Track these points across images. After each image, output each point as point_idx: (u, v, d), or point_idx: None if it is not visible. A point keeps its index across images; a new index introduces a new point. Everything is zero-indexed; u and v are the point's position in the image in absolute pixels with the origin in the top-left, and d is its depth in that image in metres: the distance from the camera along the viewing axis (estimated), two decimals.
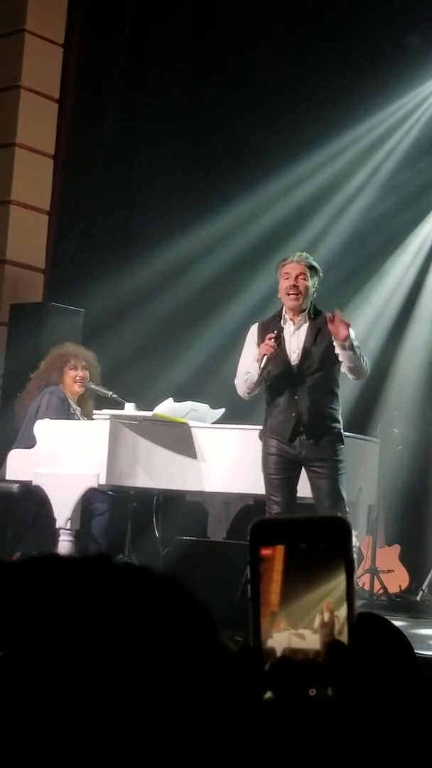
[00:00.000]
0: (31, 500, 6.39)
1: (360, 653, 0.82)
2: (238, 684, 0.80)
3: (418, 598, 7.17)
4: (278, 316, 5.54)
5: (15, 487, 6.44)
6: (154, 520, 6.89)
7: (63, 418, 6.53)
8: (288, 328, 5.47)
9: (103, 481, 6.06)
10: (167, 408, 6.24)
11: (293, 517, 0.85)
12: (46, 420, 6.39)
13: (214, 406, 6.50)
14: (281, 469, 5.41)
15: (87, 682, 0.74)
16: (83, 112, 9.04)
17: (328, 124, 8.47)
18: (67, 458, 6.15)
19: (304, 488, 5.47)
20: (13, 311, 8.17)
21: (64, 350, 6.86)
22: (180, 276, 8.74)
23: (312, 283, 5.44)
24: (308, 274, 5.42)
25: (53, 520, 6.10)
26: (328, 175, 8.84)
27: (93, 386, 6.84)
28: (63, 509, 6.07)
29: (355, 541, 6.39)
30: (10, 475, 6.40)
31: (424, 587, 7.16)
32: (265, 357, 5.28)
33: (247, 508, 6.92)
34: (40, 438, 6.28)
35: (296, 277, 5.40)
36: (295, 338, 5.45)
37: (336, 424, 5.44)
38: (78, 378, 6.76)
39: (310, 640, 0.81)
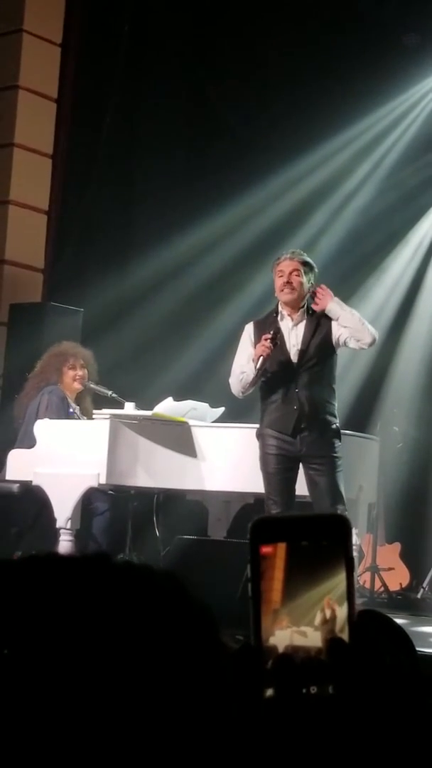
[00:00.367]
0: (32, 500, 6.39)
1: (361, 651, 0.82)
2: (240, 682, 0.80)
3: (419, 595, 7.17)
4: (274, 313, 5.56)
5: (15, 487, 6.44)
6: (155, 519, 6.89)
7: (63, 418, 6.53)
8: (286, 323, 5.50)
9: (103, 480, 6.05)
10: (167, 407, 6.24)
11: (293, 514, 0.85)
12: (46, 420, 6.39)
13: (213, 405, 6.50)
14: (281, 469, 5.41)
15: (88, 681, 0.74)
16: (82, 112, 9.04)
17: (327, 122, 8.47)
18: (67, 458, 6.14)
19: (301, 487, 5.48)
20: (13, 311, 8.17)
21: (61, 349, 6.85)
22: (179, 275, 8.74)
23: (306, 279, 5.47)
24: (302, 270, 5.46)
25: (53, 520, 6.09)
26: (327, 173, 8.84)
27: (93, 386, 6.84)
28: (63, 509, 6.07)
29: (355, 539, 6.40)
30: (10, 475, 6.40)
31: (424, 585, 7.16)
32: (261, 358, 5.30)
33: (248, 506, 6.92)
34: (40, 438, 6.28)
35: (290, 274, 5.44)
36: (294, 334, 5.48)
37: (334, 419, 5.47)
38: (77, 377, 6.76)
39: (312, 638, 0.81)
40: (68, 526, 6.07)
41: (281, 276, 5.47)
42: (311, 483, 5.41)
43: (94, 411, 6.62)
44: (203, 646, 0.79)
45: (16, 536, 6.61)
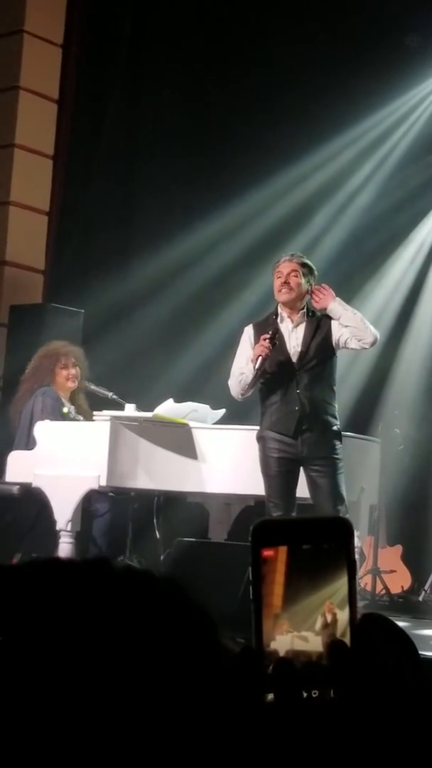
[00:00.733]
0: (32, 502, 6.39)
1: (362, 655, 0.81)
2: (240, 686, 0.79)
3: (421, 598, 7.16)
4: (273, 315, 5.57)
5: (15, 488, 6.44)
6: (155, 521, 6.89)
7: (58, 418, 6.53)
8: (286, 325, 5.51)
9: (103, 482, 6.05)
10: (168, 409, 6.24)
11: (295, 517, 0.84)
12: (46, 421, 6.39)
13: (214, 407, 6.50)
14: (282, 471, 5.41)
15: (87, 687, 0.74)
16: (82, 113, 9.05)
17: (328, 122, 8.48)
18: (68, 460, 6.14)
19: (302, 489, 5.47)
20: (13, 312, 8.18)
21: (52, 349, 6.84)
22: (180, 276, 8.74)
23: (305, 280, 5.48)
24: (300, 272, 5.47)
25: (53, 522, 6.09)
26: (328, 174, 8.85)
27: (93, 387, 6.84)
28: (63, 511, 6.07)
29: (357, 541, 6.40)
30: (10, 477, 6.40)
31: (426, 587, 7.15)
32: (260, 358, 5.31)
33: (248, 509, 6.92)
34: (40, 439, 6.28)
35: (288, 275, 5.46)
36: (294, 335, 5.49)
37: (334, 421, 5.48)
38: (70, 376, 6.76)
39: (313, 642, 0.80)
40: (68, 528, 6.07)
41: (280, 277, 5.49)
42: (312, 485, 5.41)
43: (95, 413, 6.62)
44: (202, 651, 0.78)
45: (16, 538, 6.60)
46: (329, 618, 0.81)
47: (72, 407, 6.78)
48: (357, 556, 6.71)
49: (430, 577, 7.16)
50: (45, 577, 0.79)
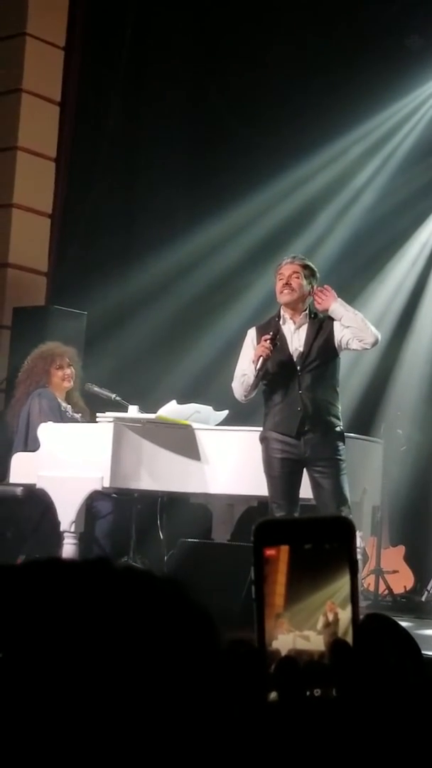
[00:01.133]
0: (35, 503, 6.39)
1: (364, 654, 0.81)
2: (243, 685, 0.80)
3: (423, 598, 7.15)
4: (276, 318, 5.58)
5: (19, 490, 6.44)
6: (159, 522, 6.89)
7: (57, 419, 6.54)
8: (288, 327, 5.52)
9: (107, 483, 6.05)
10: (171, 410, 6.24)
11: (296, 517, 0.85)
12: (50, 423, 6.39)
13: (217, 408, 6.50)
14: (285, 472, 5.41)
15: (87, 686, 0.74)
16: (85, 115, 9.05)
17: (330, 124, 8.47)
18: (71, 461, 6.14)
19: (306, 490, 5.47)
20: (16, 314, 8.17)
21: (46, 351, 6.85)
22: (183, 278, 8.74)
23: (306, 282, 5.49)
24: (302, 273, 5.49)
25: (57, 524, 6.09)
26: (330, 176, 8.84)
27: (97, 389, 6.84)
28: (67, 512, 6.07)
29: (359, 541, 6.40)
30: (14, 479, 6.40)
31: (429, 588, 7.14)
32: (261, 359, 5.32)
33: (252, 509, 6.92)
34: (43, 441, 6.28)
35: (289, 276, 5.47)
36: (296, 336, 5.50)
37: (337, 421, 5.48)
38: (66, 376, 6.78)
39: (315, 642, 0.81)
40: (72, 529, 6.07)
41: (281, 279, 5.50)
42: (315, 486, 5.41)
43: (98, 414, 6.62)
44: (203, 651, 0.78)
45: (19, 540, 6.60)
46: (331, 617, 0.81)
47: (68, 406, 6.79)
48: (360, 557, 6.71)
49: None
50: (45, 577, 0.79)
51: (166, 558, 6.64)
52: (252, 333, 5.64)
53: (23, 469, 6.32)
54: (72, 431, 6.41)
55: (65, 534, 6.08)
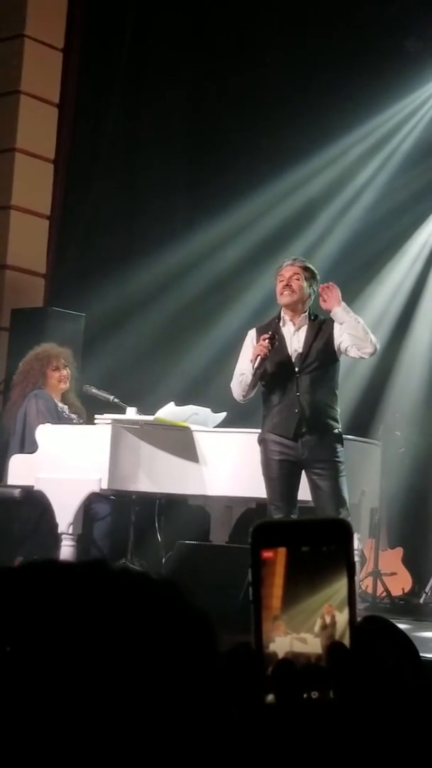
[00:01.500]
0: (33, 505, 6.39)
1: (361, 656, 0.81)
2: (240, 688, 0.79)
3: (421, 600, 7.15)
4: (276, 319, 5.59)
5: (17, 492, 6.44)
6: (156, 524, 6.89)
7: (54, 420, 6.54)
8: (288, 328, 5.52)
9: (105, 485, 6.05)
10: (169, 412, 6.24)
11: (294, 519, 0.85)
12: (48, 425, 6.39)
13: (215, 410, 6.50)
14: (284, 474, 5.41)
15: (83, 688, 0.74)
16: (83, 117, 9.05)
17: (328, 127, 8.48)
18: (69, 463, 6.14)
19: (304, 492, 5.47)
20: (14, 316, 8.17)
21: (42, 352, 6.86)
22: (181, 280, 8.74)
23: (307, 284, 5.49)
24: (302, 275, 5.49)
25: (55, 525, 6.09)
26: (329, 178, 8.85)
27: (95, 391, 6.85)
28: (65, 514, 6.07)
29: (357, 543, 6.40)
30: (12, 481, 6.40)
31: (427, 590, 7.14)
32: (259, 357, 5.32)
33: (250, 511, 6.92)
34: (41, 443, 6.28)
35: (289, 278, 5.48)
36: (296, 338, 5.50)
37: (336, 424, 5.47)
38: (62, 377, 6.78)
39: (312, 644, 0.80)
40: (70, 531, 6.07)
41: (282, 280, 5.50)
42: (314, 488, 5.41)
43: (96, 416, 6.62)
44: (200, 653, 0.78)
45: (17, 542, 6.60)
46: (328, 620, 0.81)
47: (65, 407, 6.79)
48: (358, 559, 6.71)
49: (430, 580, 7.15)
50: (42, 578, 0.79)
51: (164, 560, 6.64)
52: (252, 334, 5.65)
53: (21, 471, 6.32)
54: (70, 433, 6.41)
55: (63, 536, 6.08)
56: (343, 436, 5.56)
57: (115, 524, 6.77)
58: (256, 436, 5.57)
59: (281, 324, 5.54)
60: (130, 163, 9.29)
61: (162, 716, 0.74)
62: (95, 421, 6.40)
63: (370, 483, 6.85)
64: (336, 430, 5.46)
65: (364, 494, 6.60)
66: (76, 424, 6.73)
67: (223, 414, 6.49)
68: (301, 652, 0.80)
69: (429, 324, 8.57)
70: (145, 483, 6.21)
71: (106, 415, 6.39)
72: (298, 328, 5.52)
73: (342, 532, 0.82)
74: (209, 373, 7.86)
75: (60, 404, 6.78)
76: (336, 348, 5.47)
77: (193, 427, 6.27)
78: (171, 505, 7.06)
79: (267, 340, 5.36)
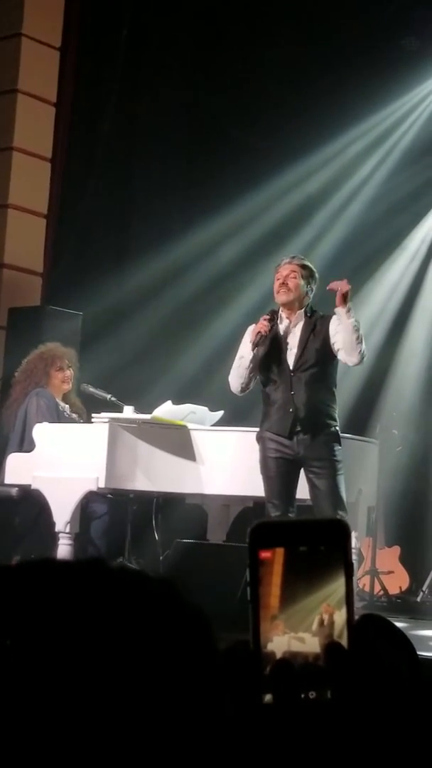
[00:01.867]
0: (30, 504, 6.38)
1: (359, 655, 0.81)
2: (238, 687, 0.79)
3: (419, 599, 7.17)
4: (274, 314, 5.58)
5: (14, 491, 6.43)
6: (154, 523, 6.89)
7: (55, 419, 6.53)
8: (284, 326, 5.51)
9: (102, 484, 6.05)
10: (166, 411, 6.24)
11: (292, 519, 0.85)
12: (45, 424, 6.38)
13: (212, 409, 6.50)
14: (281, 472, 5.40)
15: (81, 687, 0.74)
16: (80, 116, 9.04)
17: (326, 125, 8.48)
18: (66, 462, 6.14)
19: (302, 490, 5.47)
20: (12, 315, 8.17)
21: (47, 352, 6.84)
22: (178, 279, 8.74)
23: (304, 282, 5.47)
24: (300, 273, 5.47)
25: (52, 524, 6.09)
26: (326, 176, 8.86)
27: (92, 389, 6.84)
28: (62, 513, 6.06)
29: (354, 542, 6.39)
30: (9, 479, 6.39)
31: (424, 588, 7.16)
32: (259, 334, 5.32)
33: (247, 510, 6.92)
34: (38, 442, 6.28)
35: (287, 276, 5.47)
36: (292, 336, 5.48)
37: (333, 422, 5.45)
38: (66, 378, 6.77)
39: (310, 644, 0.81)
40: (67, 530, 6.07)
41: (279, 279, 5.50)
42: (312, 486, 5.40)
43: (93, 415, 6.62)
44: (197, 652, 0.78)
45: (14, 540, 6.60)
46: (326, 619, 0.81)
47: (66, 406, 6.79)
48: (355, 558, 6.71)
49: (428, 578, 7.16)
50: (39, 577, 0.79)
51: (161, 559, 6.64)
52: (252, 329, 5.63)
53: (18, 470, 6.31)
54: (67, 432, 6.40)
55: (60, 535, 6.07)
56: (341, 434, 5.55)
57: (112, 523, 6.76)
58: (253, 435, 5.57)
59: (278, 322, 5.53)
60: (127, 162, 9.29)
61: (159, 715, 0.74)
62: (92, 420, 6.40)
63: (368, 481, 6.85)
64: (332, 429, 5.44)
65: (362, 493, 6.61)
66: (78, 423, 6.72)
67: (220, 413, 6.49)
68: (299, 652, 0.80)
69: (426, 322, 8.58)
70: (143, 482, 6.20)
71: (103, 414, 6.39)
72: (294, 325, 5.51)
73: (340, 532, 0.83)
74: (206, 372, 7.87)
75: (61, 404, 6.77)
76: (331, 346, 5.46)
77: (190, 425, 6.27)
78: (168, 503, 7.06)
79: (266, 319, 5.37)
